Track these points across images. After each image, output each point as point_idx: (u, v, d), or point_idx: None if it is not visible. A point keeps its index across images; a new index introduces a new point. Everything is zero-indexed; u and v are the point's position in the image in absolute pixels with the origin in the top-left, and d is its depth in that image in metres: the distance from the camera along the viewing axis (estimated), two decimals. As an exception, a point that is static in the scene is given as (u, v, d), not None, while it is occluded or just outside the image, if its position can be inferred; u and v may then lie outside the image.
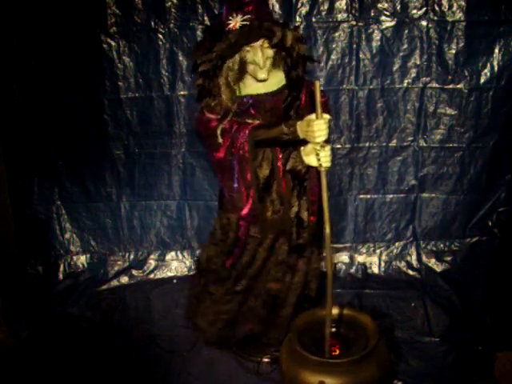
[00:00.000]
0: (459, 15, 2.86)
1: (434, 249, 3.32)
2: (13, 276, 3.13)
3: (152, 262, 3.44)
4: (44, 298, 3.18)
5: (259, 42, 2.09)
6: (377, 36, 2.95)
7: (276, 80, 2.23)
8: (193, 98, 3.01)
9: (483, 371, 2.39)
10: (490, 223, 3.25)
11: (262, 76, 2.14)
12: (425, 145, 3.14)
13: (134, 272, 3.40)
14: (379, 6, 2.89)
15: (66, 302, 3.14)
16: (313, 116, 1.98)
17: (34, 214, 3.34)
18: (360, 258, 3.36)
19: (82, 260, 3.44)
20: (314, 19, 2.93)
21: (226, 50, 2.09)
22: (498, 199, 3.20)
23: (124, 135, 3.19)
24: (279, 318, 2.49)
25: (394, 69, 3.01)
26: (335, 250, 3.27)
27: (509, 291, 2.90)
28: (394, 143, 3.16)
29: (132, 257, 3.45)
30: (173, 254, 3.45)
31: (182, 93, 3.09)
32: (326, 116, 2.00)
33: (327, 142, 2.04)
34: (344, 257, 3.35)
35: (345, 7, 2.91)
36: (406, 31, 2.93)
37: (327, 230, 2.02)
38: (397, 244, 3.35)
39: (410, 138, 3.14)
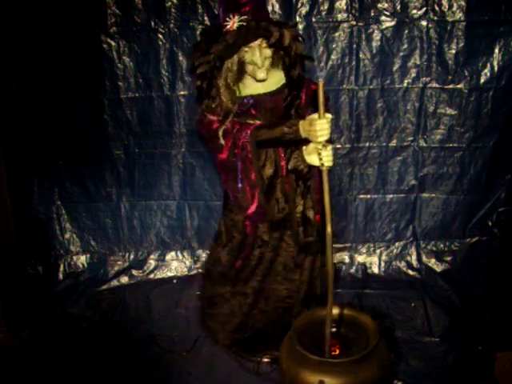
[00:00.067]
0: (459, 15, 2.86)
1: (434, 249, 3.32)
2: (13, 276, 3.13)
3: (152, 262, 3.44)
4: (44, 298, 3.18)
5: (257, 42, 2.09)
6: (377, 36, 2.95)
7: (275, 79, 2.23)
8: (193, 98, 3.02)
9: (483, 371, 2.39)
10: (490, 223, 3.25)
11: (261, 76, 2.14)
12: (425, 145, 3.14)
13: (134, 272, 3.40)
14: (379, 5, 2.89)
15: (66, 302, 3.14)
16: (315, 115, 1.99)
17: (34, 214, 3.34)
18: (360, 258, 3.36)
19: (82, 260, 3.44)
20: (314, 19, 2.93)
21: (224, 51, 2.09)
22: (498, 199, 3.20)
23: (124, 135, 3.19)
24: (288, 317, 2.49)
25: (394, 69, 3.01)
26: (335, 249, 3.27)
27: (509, 291, 2.90)
28: (393, 143, 3.16)
29: (132, 257, 3.45)
30: (173, 253, 3.45)
31: (181, 93, 3.09)
32: (329, 115, 2.00)
33: (329, 141, 2.04)
34: (344, 257, 3.35)
35: (345, 7, 2.91)
36: (406, 31, 2.93)
37: (328, 229, 2.02)
38: (397, 244, 3.35)
39: (410, 138, 3.14)
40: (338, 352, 2.19)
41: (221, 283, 2.54)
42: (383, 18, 2.91)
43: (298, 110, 2.25)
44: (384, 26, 2.93)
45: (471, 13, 2.85)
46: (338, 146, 3.15)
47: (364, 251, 3.37)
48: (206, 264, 2.69)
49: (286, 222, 2.33)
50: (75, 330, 2.89)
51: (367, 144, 3.16)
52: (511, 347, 2.41)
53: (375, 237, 3.36)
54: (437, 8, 2.87)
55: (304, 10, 2.93)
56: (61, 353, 2.69)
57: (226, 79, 2.15)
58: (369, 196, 3.28)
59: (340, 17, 2.93)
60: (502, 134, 3.05)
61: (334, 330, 2.21)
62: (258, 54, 2.10)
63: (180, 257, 3.45)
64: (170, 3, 2.92)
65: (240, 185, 2.23)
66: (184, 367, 2.57)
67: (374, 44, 2.96)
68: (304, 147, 2.15)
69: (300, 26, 2.92)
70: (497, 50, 2.90)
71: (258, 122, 2.17)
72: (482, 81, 2.96)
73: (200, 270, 3.41)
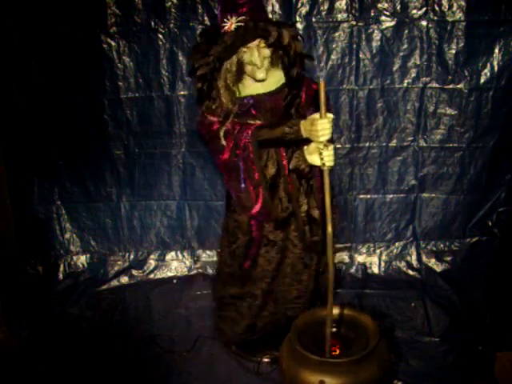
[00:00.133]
0: (459, 15, 2.87)
1: (434, 249, 3.32)
2: (13, 276, 3.13)
3: (152, 262, 3.44)
4: (44, 297, 3.18)
5: (255, 42, 2.09)
6: (377, 36, 2.95)
7: (275, 79, 2.23)
8: (193, 98, 3.02)
9: (483, 371, 2.39)
10: (490, 223, 3.25)
11: (261, 76, 2.14)
12: (425, 145, 3.14)
13: (134, 272, 3.40)
14: (379, 5, 2.89)
15: (66, 302, 3.14)
16: (316, 115, 1.98)
17: (34, 214, 3.34)
18: (360, 258, 3.36)
19: (82, 260, 3.45)
20: (313, 19, 2.93)
21: (223, 52, 2.09)
22: (498, 199, 3.20)
23: (124, 135, 3.19)
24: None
25: (394, 69, 3.01)
26: (335, 249, 3.27)
27: (509, 291, 2.90)
28: (394, 143, 3.16)
29: (132, 257, 3.45)
30: (173, 253, 3.45)
31: (181, 93, 3.09)
32: (330, 115, 2.00)
33: (330, 141, 2.04)
34: (344, 257, 3.35)
35: (345, 7, 2.91)
36: (406, 31, 2.93)
37: (329, 229, 2.02)
38: (397, 244, 3.35)
39: (410, 138, 3.14)
40: (338, 352, 2.19)
41: (230, 284, 2.54)
42: (383, 17, 2.91)
43: (299, 109, 2.24)
44: (384, 26, 2.93)
45: (471, 13, 2.85)
46: (338, 145, 3.15)
47: (364, 251, 3.37)
48: (217, 265, 2.69)
49: (291, 220, 2.33)
50: (75, 330, 2.89)
51: (367, 144, 3.16)
52: (511, 347, 2.41)
53: (375, 237, 3.36)
54: (437, 8, 2.88)
55: (304, 10, 2.93)
56: (61, 353, 2.69)
57: (225, 80, 2.15)
58: (369, 196, 3.28)
59: (340, 17, 2.93)
60: (502, 134, 3.05)
61: (334, 329, 2.21)
62: (256, 54, 2.10)
63: (180, 257, 3.45)
64: (169, 3, 2.92)
65: (243, 185, 2.22)
66: (184, 367, 2.57)
67: (374, 44, 2.96)
68: (305, 147, 2.15)
69: (300, 26, 2.92)
70: (497, 50, 2.90)
71: (258, 122, 2.17)
72: (482, 81, 2.96)
73: (200, 270, 3.42)
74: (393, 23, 2.92)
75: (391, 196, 3.27)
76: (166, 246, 3.45)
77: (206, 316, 2.96)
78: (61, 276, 3.39)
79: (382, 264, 3.33)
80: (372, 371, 2.03)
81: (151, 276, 3.41)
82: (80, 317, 3.02)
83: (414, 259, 3.32)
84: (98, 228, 3.41)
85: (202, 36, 2.24)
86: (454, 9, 2.86)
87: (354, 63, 3.00)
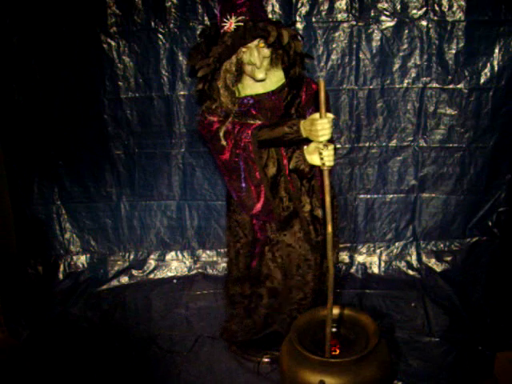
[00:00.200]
0: (459, 15, 2.87)
1: (434, 249, 3.32)
2: (13, 276, 3.13)
3: (152, 262, 3.44)
4: (44, 297, 3.18)
5: (255, 43, 2.09)
6: (377, 36, 2.95)
7: (275, 79, 2.23)
8: (193, 98, 3.03)
9: (483, 371, 2.39)
10: (490, 223, 3.25)
11: (260, 76, 2.14)
12: (425, 145, 3.14)
13: (134, 272, 3.40)
14: (379, 5, 2.89)
15: (66, 302, 3.14)
16: (316, 115, 1.98)
17: (34, 214, 3.34)
18: (360, 258, 3.36)
19: (82, 260, 3.45)
20: (314, 19, 2.93)
21: (223, 53, 2.09)
22: (497, 199, 3.20)
23: (124, 135, 3.19)
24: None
25: (394, 69, 3.01)
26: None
27: (509, 291, 2.91)
28: (393, 143, 3.16)
29: (132, 257, 3.45)
30: (173, 253, 3.46)
31: (181, 93, 3.09)
32: (330, 115, 1.99)
33: (331, 141, 2.04)
34: (344, 257, 3.35)
35: (345, 7, 2.91)
36: (406, 31, 2.93)
37: (329, 229, 2.02)
38: (397, 244, 3.35)
39: (410, 138, 3.14)
40: (338, 352, 2.19)
41: (239, 282, 2.56)
42: (383, 17, 2.91)
43: (299, 109, 2.24)
44: (384, 26, 2.93)
45: (471, 13, 2.85)
46: (338, 145, 3.15)
47: (364, 251, 3.37)
48: (226, 263, 2.71)
49: (293, 220, 2.33)
50: (75, 330, 2.89)
51: (367, 144, 3.16)
52: (511, 347, 2.41)
53: (375, 237, 3.36)
54: (437, 8, 2.88)
55: (304, 10, 2.93)
56: (61, 353, 2.69)
57: (224, 80, 2.15)
58: (369, 196, 3.28)
59: (340, 17, 2.93)
60: (502, 134, 3.05)
61: (334, 329, 2.21)
62: (256, 54, 2.09)
63: (180, 257, 3.46)
64: (169, 3, 2.92)
65: (244, 184, 2.22)
66: (184, 367, 2.57)
67: (374, 44, 2.96)
68: (305, 147, 2.15)
69: (300, 26, 2.92)
70: (497, 50, 2.90)
71: (258, 122, 2.18)
72: (482, 81, 2.96)
73: (200, 270, 3.42)
74: (393, 23, 2.92)
75: (391, 196, 3.27)
76: (166, 245, 3.45)
77: (206, 316, 2.97)
78: (61, 276, 3.39)
79: (382, 264, 3.34)
80: (372, 371, 2.03)
81: (151, 276, 3.41)
82: (80, 317, 3.02)
83: (414, 259, 3.32)
84: (98, 228, 3.41)
85: (201, 36, 2.24)
86: (454, 9, 2.86)
87: (353, 63, 3.01)
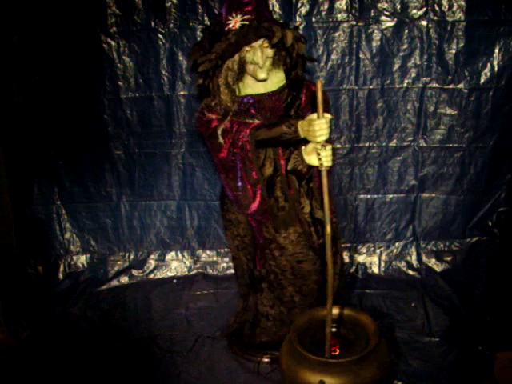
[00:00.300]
0: (459, 15, 2.87)
1: (434, 249, 3.32)
2: (13, 276, 3.13)
3: (152, 262, 3.44)
4: (44, 297, 3.18)
5: (259, 42, 2.09)
6: (377, 36, 2.95)
7: (276, 80, 2.23)
8: (193, 98, 3.03)
9: (483, 371, 2.39)
10: (490, 223, 3.25)
11: (262, 76, 2.14)
12: (425, 145, 3.14)
13: (134, 272, 3.40)
14: (379, 5, 2.89)
15: (66, 302, 3.14)
16: (314, 115, 1.98)
17: (33, 214, 3.34)
18: (360, 258, 3.36)
19: (82, 260, 3.45)
20: (314, 19, 2.93)
21: (226, 50, 2.09)
22: (497, 199, 3.20)
23: (124, 135, 3.19)
24: None
25: (394, 69, 3.01)
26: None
27: (509, 291, 2.90)
28: (393, 143, 3.16)
29: (132, 257, 3.45)
30: (173, 253, 3.46)
31: (181, 93, 3.09)
32: (328, 115, 1.99)
33: (328, 141, 2.04)
34: (344, 257, 3.34)
35: (345, 7, 2.91)
36: (406, 31, 2.93)
37: (328, 230, 2.02)
38: (397, 244, 3.35)
39: (410, 138, 3.14)
40: (337, 352, 2.19)
41: (245, 283, 2.58)
42: (383, 17, 2.91)
43: (298, 111, 2.25)
44: (384, 26, 2.93)
45: (471, 13, 2.85)
46: (338, 145, 3.15)
47: (364, 251, 3.37)
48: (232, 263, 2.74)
49: (288, 221, 2.32)
50: (75, 330, 2.89)
51: (367, 144, 3.16)
52: (511, 347, 2.41)
53: (375, 237, 3.36)
54: (437, 8, 2.87)
55: (304, 10, 2.93)
56: (61, 353, 2.69)
57: (226, 78, 2.15)
58: (369, 196, 3.28)
59: (340, 17, 2.93)
60: (502, 134, 3.05)
61: (334, 330, 2.21)
62: (259, 53, 2.09)
63: (180, 257, 3.46)
64: (169, 3, 2.92)
65: (240, 183, 2.23)
66: (184, 367, 2.57)
67: (374, 44, 2.96)
68: (303, 147, 2.15)
69: (300, 26, 2.92)
70: (497, 50, 2.90)
71: (257, 122, 2.18)
72: (482, 81, 2.96)
73: (200, 270, 3.42)
74: (393, 23, 2.92)
75: (391, 196, 3.27)
76: (166, 245, 3.45)
77: (206, 316, 2.97)
78: (61, 276, 3.39)
79: (382, 264, 3.34)
80: (372, 371, 2.03)
81: (151, 276, 3.41)
82: (80, 317, 3.02)
83: (413, 259, 3.32)
84: (98, 228, 3.41)
85: (205, 32, 2.24)
86: (454, 9, 2.86)
87: (353, 63, 3.01)
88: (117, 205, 3.35)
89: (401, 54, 2.97)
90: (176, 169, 3.27)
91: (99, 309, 3.08)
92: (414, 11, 2.89)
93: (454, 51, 2.93)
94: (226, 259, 3.38)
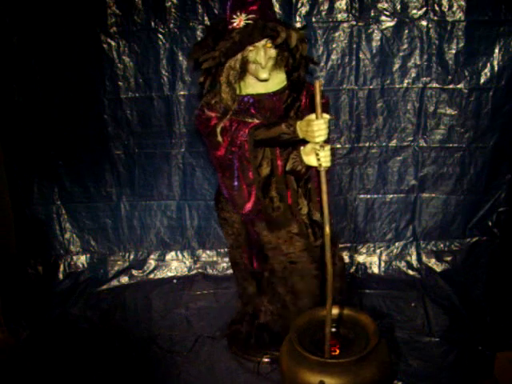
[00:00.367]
0: (459, 15, 2.86)
1: (434, 249, 3.32)
2: (13, 276, 3.13)
3: (152, 262, 3.44)
4: (44, 297, 3.18)
5: (262, 42, 2.09)
6: (377, 36, 2.95)
7: (277, 80, 2.23)
8: (193, 98, 3.03)
9: (483, 371, 2.39)
10: (490, 223, 3.25)
11: (264, 76, 2.14)
12: (425, 145, 3.14)
13: (134, 272, 3.40)
14: (379, 5, 2.89)
15: (66, 302, 3.14)
16: (312, 116, 1.98)
17: (33, 214, 3.34)
18: (360, 258, 3.36)
19: (82, 260, 3.45)
20: (314, 19, 2.93)
21: (230, 49, 2.09)
22: (497, 199, 3.20)
23: (124, 135, 3.19)
24: None
25: (394, 69, 3.01)
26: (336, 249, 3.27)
27: (509, 291, 2.90)
28: (393, 143, 3.16)
29: (132, 257, 3.45)
30: (173, 253, 3.46)
31: (182, 93, 3.09)
32: (326, 116, 1.99)
33: (327, 141, 2.04)
34: (344, 257, 3.34)
35: (345, 7, 2.91)
36: (406, 31, 2.93)
37: (327, 230, 2.02)
38: (397, 244, 3.35)
39: (410, 138, 3.14)
40: (337, 352, 2.19)
41: (244, 279, 2.58)
42: (383, 17, 2.91)
43: (298, 112, 2.24)
44: (384, 26, 2.93)
45: (471, 13, 2.85)
46: (338, 145, 3.15)
47: (364, 251, 3.37)
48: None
49: (285, 221, 2.31)
50: (75, 330, 2.89)
51: (367, 144, 3.16)
52: (511, 347, 2.41)
53: (375, 237, 3.36)
54: (437, 8, 2.87)
55: (304, 10, 2.93)
56: (61, 353, 2.69)
57: (227, 76, 2.15)
58: (369, 196, 3.28)
59: (340, 17, 2.93)
60: (502, 134, 3.05)
61: (333, 330, 2.21)
62: (262, 53, 2.09)
63: (180, 257, 3.46)
64: (169, 3, 2.92)
65: (236, 182, 2.22)
66: (184, 367, 2.57)
67: (374, 44, 2.96)
68: (302, 148, 2.14)
69: (300, 26, 2.92)
70: (497, 50, 2.90)
71: (256, 122, 2.17)
72: (482, 81, 2.96)
73: (200, 270, 3.42)
74: (393, 23, 2.92)
75: (391, 196, 3.27)
76: (166, 245, 3.45)
77: (206, 316, 2.97)
78: (61, 276, 3.39)
79: (382, 264, 3.34)
80: (372, 371, 2.03)
81: (151, 276, 3.41)
82: (80, 317, 3.02)
83: (413, 259, 3.32)
84: (98, 228, 3.41)
85: (208, 30, 2.24)
86: (454, 9, 2.86)
87: (354, 63, 3.00)
88: (117, 205, 3.35)
89: (401, 53, 2.97)
90: (176, 169, 3.27)
91: (99, 309, 3.08)
92: (414, 11, 2.89)
93: (453, 51, 2.93)
94: (226, 259, 3.38)
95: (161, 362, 2.62)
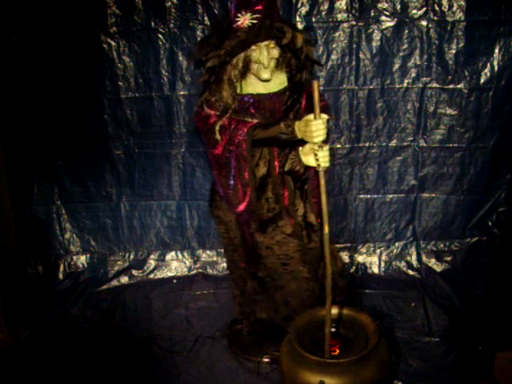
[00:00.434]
0: (459, 15, 2.86)
1: (434, 249, 3.32)
2: (13, 276, 3.13)
3: (152, 262, 3.44)
4: (44, 297, 3.18)
5: (266, 42, 2.09)
6: (377, 36, 2.95)
7: (278, 81, 2.23)
8: (193, 98, 3.03)
9: (483, 371, 2.39)
10: (490, 223, 3.25)
11: (265, 76, 2.14)
12: (425, 145, 3.14)
13: (134, 272, 3.40)
14: (379, 5, 2.89)
15: (66, 302, 3.14)
16: (311, 116, 1.98)
17: (33, 214, 3.34)
18: (360, 258, 3.36)
19: (82, 260, 3.45)
20: (314, 19, 2.93)
21: (235, 47, 2.08)
22: (497, 199, 3.20)
23: (124, 135, 3.19)
24: None
25: (394, 69, 3.01)
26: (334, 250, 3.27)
27: (509, 291, 2.90)
28: (393, 143, 3.16)
29: (132, 257, 3.45)
30: (173, 253, 3.46)
31: (182, 93, 3.09)
32: (324, 116, 1.99)
33: (325, 142, 2.03)
34: (344, 257, 3.35)
35: (345, 7, 2.91)
36: (406, 31, 2.93)
37: (325, 230, 2.02)
38: (397, 244, 3.35)
39: (410, 138, 3.14)
40: (337, 352, 2.19)
41: (239, 278, 2.59)
42: (383, 17, 2.91)
43: (297, 114, 2.24)
44: (384, 26, 2.93)
45: (471, 13, 2.85)
46: (338, 146, 3.15)
47: (364, 251, 3.37)
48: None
49: (280, 223, 2.31)
50: (75, 330, 2.89)
51: (367, 144, 3.16)
52: (511, 347, 2.41)
53: (375, 237, 3.36)
54: (437, 8, 2.87)
55: (304, 10, 2.93)
56: (61, 353, 2.69)
57: (229, 75, 2.14)
58: (369, 196, 3.28)
59: (340, 17, 2.93)
60: (502, 134, 3.05)
61: (333, 330, 2.21)
62: (265, 53, 2.09)
63: (180, 257, 3.46)
64: (169, 3, 2.92)
65: (232, 182, 2.22)
66: (184, 367, 2.57)
67: (374, 44, 2.96)
68: (300, 148, 2.14)
69: (300, 26, 2.92)
70: (497, 50, 2.90)
71: (255, 121, 2.17)
72: (482, 81, 2.96)
73: (200, 270, 3.42)
74: (393, 23, 2.92)
75: (391, 196, 3.27)
76: (166, 245, 3.45)
77: (206, 316, 2.97)
78: (61, 276, 3.39)
79: (382, 264, 3.33)
80: (372, 371, 2.03)
81: (151, 276, 3.41)
82: (80, 317, 3.02)
83: (414, 259, 3.32)
84: (98, 228, 3.41)
85: (212, 28, 2.23)
86: (454, 9, 2.86)
87: (354, 63, 3.00)
88: (117, 205, 3.35)
89: (401, 53, 2.97)
90: (176, 169, 3.27)
91: (99, 309, 3.08)
92: (414, 11, 2.89)
93: (453, 51, 2.93)
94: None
95: (161, 362, 2.62)
